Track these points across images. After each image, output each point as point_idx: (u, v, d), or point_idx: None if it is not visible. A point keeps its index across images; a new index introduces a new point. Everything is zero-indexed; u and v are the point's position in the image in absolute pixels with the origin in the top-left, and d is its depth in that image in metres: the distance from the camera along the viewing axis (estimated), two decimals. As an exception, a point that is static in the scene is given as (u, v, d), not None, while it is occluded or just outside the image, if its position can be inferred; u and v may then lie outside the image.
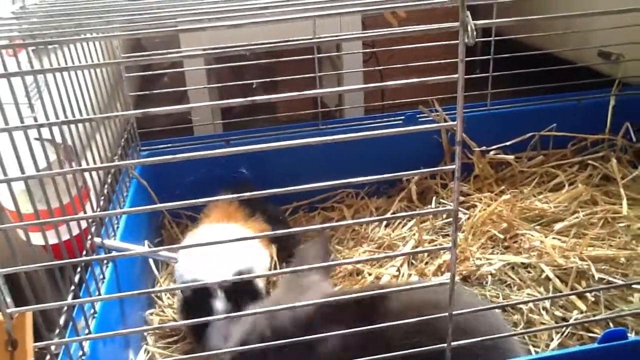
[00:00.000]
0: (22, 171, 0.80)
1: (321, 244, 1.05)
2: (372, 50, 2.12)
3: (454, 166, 0.75)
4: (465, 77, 0.70)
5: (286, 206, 1.62)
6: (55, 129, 0.97)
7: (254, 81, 1.73)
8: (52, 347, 0.83)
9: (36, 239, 0.89)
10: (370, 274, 1.29)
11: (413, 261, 1.34)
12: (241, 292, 1.12)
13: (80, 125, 1.11)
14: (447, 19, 0.78)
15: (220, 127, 1.97)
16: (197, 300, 1.12)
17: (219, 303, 1.12)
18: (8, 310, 0.70)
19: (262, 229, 1.34)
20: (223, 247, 1.17)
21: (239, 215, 1.36)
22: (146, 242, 1.38)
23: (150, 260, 1.35)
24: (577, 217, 1.40)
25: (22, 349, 0.70)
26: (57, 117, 1.01)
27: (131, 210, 1.26)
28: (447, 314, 0.81)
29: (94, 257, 1.01)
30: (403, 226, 1.48)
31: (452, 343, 0.83)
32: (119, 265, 1.13)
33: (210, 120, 1.89)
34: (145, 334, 1.19)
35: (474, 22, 0.68)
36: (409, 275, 1.28)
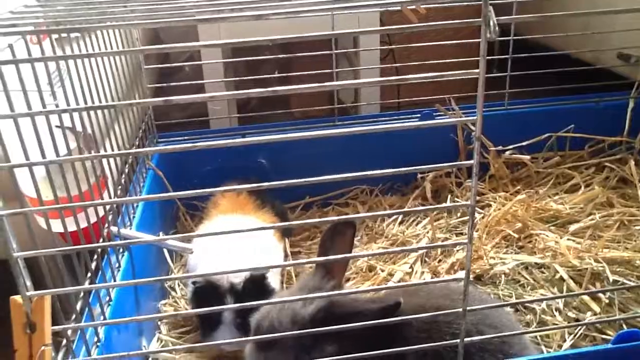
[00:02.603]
0: (44, 157, 0.81)
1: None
2: (389, 47, 2.12)
3: (472, 162, 0.75)
4: (493, 75, 0.70)
5: (299, 201, 1.63)
6: (76, 117, 0.98)
7: (275, 75, 1.74)
8: (69, 332, 0.84)
9: (56, 225, 0.90)
10: (383, 270, 1.29)
11: (426, 259, 1.33)
12: (254, 292, 1.07)
13: (99, 114, 1.12)
14: (464, 17, 0.78)
15: (236, 122, 1.98)
16: (206, 299, 1.07)
17: (227, 313, 1.07)
18: (28, 294, 0.71)
19: (273, 222, 1.34)
20: (240, 243, 1.16)
21: (250, 206, 1.36)
22: (161, 233, 1.39)
23: (165, 251, 1.36)
24: (592, 219, 1.39)
25: (40, 332, 0.71)
26: (78, 105, 1.02)
27: (147, 197, 1.27)
28: (460, 309, 0.82)
29: (111, 243, 1.02)
30: (417, 224, 1.48)
31: (465, 339, 0.83)
32: (134, 255, 1.14)
33: (227, 114, 1.90)
34: (159, 323, 1.20)
35: (496, 17, 0.68)
36: (422, 272, 1.28)
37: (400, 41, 2.10)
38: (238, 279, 1.07)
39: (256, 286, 1.08)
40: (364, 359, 0.79)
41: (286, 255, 1.37)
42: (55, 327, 0.75)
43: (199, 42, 1.73)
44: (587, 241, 1.30)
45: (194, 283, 1.10)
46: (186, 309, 1.23)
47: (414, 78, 0.74)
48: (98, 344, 0.91)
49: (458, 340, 0.83)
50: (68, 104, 0.99)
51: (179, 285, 1.32)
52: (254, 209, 1.35)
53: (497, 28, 0.66)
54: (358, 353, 0.79)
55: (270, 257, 1.22)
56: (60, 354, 0.82)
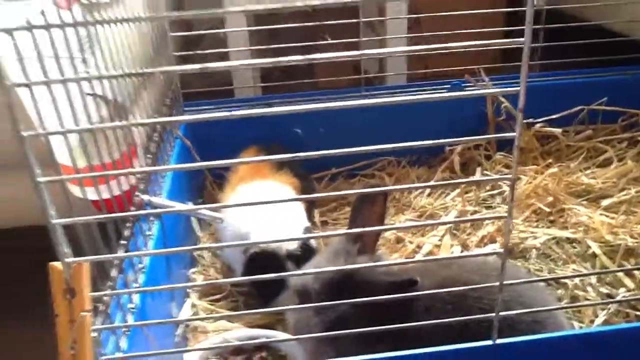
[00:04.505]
0: (77, 124, 0.81)
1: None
2: (416, 15, 2.08)
3: (515, 134, 0.73)
4: (515, 46, 0.68)
5: (325, 172, 1.62)
6: (106, 85, 0.97)
7: (300, 44, 1.70)
8: (105, 298, 0.85)
9: (90, 193, 0.90)
10: (411, 242, 1.28)
11: (455, 231, 1.32)
12: (307, 255, 1.13)
13: (129, 82, 1.11)
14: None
15: (260, 91, 1.97)
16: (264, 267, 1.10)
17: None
18: (67, 260, 0.71)
19: (292, 182, 1.35)
20: (273, 209, 1.17)
21: (267, 169, 1.36)
22: (190, 203, 1.39)
23: (193, 220, 1.36)
24: (626, 194, 1.36)
25: (80, 297, 0.72)
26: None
27: (177, 167, 1.27)
28: (497, 283, 0.81)
29: (146, 211, 1.02)
30: (446, 196, 1.47)
31: (501, 313, 0.82)
32: (165, 223, 1.14)
33: (251, 83, 1.89)
34: (189, 290, 1.21)
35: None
36: (451, 245, 1.27)
37: (428, 10, 2.05)
38: (293, 245, 1.15)
39: (308, 248, 1.16)
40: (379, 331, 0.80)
41: (313, 224, 1.37)
42: (93, 294, 0.75)
43: (224, 9, 1.70)
44: (621, 216, 1.28)
45: (245, 252, 1.13)
46: (216, 278, 1.25)
47: (449, 47, 0.70)
48: (133, 310, 0.92)
49: (493, 314, 0.82)
50: (99, 72, 0.99)
51: (208, 253, 1.33)
52: (270, 172, 1.35)
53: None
54: (371, 316, 0.84)
55: (295, 213, 1.25)
56: (99, 320, 0.83)
